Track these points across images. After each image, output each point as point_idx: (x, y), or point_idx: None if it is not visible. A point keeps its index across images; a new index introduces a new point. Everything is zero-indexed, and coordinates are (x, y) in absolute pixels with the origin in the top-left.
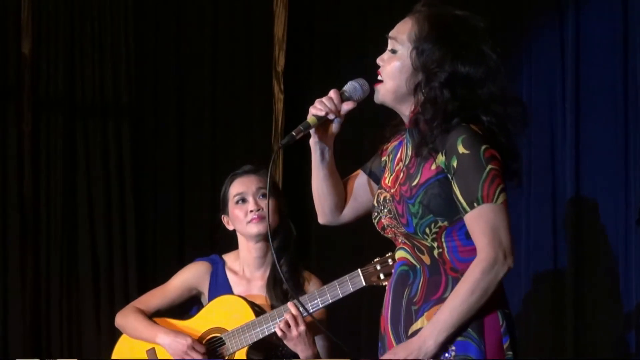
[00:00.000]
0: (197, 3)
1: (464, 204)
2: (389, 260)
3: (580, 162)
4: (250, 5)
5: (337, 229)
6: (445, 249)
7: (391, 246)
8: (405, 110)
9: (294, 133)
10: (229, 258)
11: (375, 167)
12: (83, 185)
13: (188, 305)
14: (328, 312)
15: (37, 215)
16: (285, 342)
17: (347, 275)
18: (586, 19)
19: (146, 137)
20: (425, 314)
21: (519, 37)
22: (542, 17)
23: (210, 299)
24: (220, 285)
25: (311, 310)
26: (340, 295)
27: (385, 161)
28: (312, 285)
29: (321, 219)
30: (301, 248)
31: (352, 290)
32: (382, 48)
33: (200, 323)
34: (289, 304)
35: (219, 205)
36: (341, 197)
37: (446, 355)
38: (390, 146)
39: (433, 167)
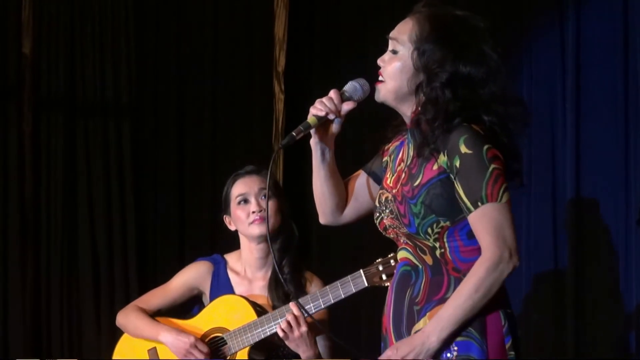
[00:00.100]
0: (197, 3)
1: (468, 203)
2: (391, 260)
3: (581, 161)
4: (251, 5)
5: (338, 229)
6: (448, 249)
7: (392, 246)
8: (407, 111)
9: (294, 133)
10: (230, 258)
11: (377, 168)
12: (83, 185)
13: (189, 305)
14: (330, 313)
15: (38, 215)
16: (286, 342)
17: (349, 276)
18: (586, 19)
19: (146, 137)
20: (427, 314)
21: (519, 37)
22: (543, 17)
23: (212, 298)
24: (221, 285)
25: (313, 311)
26: (343, 296)
27: (387, 161)
28: (313, 286)
29: (322, 219)
30: (302, 248)
31: (354, 290)
32: (382, 48)
33: (201, 323)
34: (291, 304)
35: (221, 205)
36: (342, 198)
37: (448, 355)
38: (392, 146)
39: (435, 167)
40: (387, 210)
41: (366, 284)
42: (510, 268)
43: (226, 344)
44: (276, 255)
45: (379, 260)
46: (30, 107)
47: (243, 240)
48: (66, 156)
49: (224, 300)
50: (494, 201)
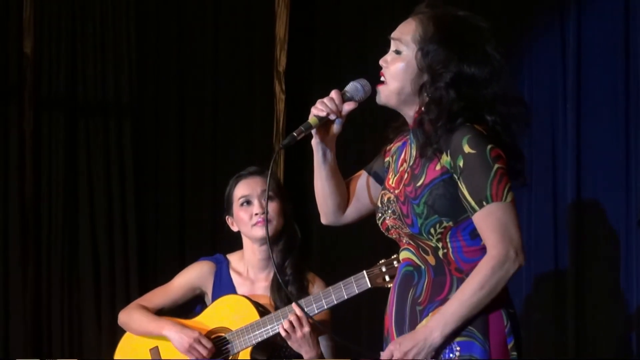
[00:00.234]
0: (198, 3)
1: (472, 203)
2: (395, 262)
3: (581, 162)
4: (252, 5)
5: (339, 230)
6: (450, 250)
7: (393, 247)
8: (409, 111)
9: (295, 134)
10: (233, 258)
11: (378, 168)
12: (84, 185)
13: (192, 305)
14: (332, 313)
15: (38, 214)
16: (289, 342)
17: (352, 277)
18: (587, 19)
19: (147, 137)
20: (430, 314)
21: (519, 37)
22: (543, 17)
23: (214, 299)
24: (224, 286)
25: (316, 312)
26: (345, 297)
27: (389, 162)
28: (316, 287)
29: (324, 220)
30: (304, 249)
31: (357, 291)
32: (383, 48)
33: (204, 322)
34: (294, 305)
35: (222, 205)
36: (344, 198)
37: (450, 355)
38: (394, 147)
39: (438, 167)
40: (390, 211)
41: (369, 285)
42: (516, 267)
43: (229, 343)
44: (278, 256)
45: (382, 261)
46: (31, 106)
47: (246, 241)
48: (67, 156)
49: (226, 300)
50: (499, 200)
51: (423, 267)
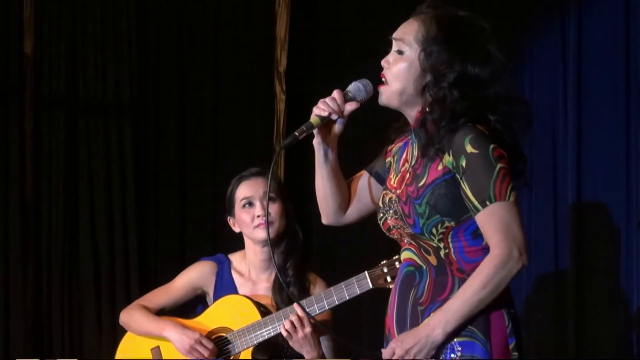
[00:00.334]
0: (199, 3)
1: (475, 202)
2: (396, 262)
3: (582, 162)
4: (252, 5)
5: (340, 230)
6: (452, 250)
7: (394, 247)
8: (411, 112)
9: (296, 133)
10: (235, 258)
11: (380, 168)
12: (85, 184)
13: (193, 304)
14: (333, 313)
15: (39, 214)
16: (290, 343)
17: (353, 278)
18: (588, 19)
19: (148, 137)
20: (431, 314)
21: (520, 38)
22: (544, 17)
23: (215, 299)
24: (225, 286)
25: (317, 312)
26: (347, 297)
27: (390, 162)
28: (317, 288)
29: (325, 220)
30: (306, 250)
31: (358, 292)
32: (383, 48)
33: (205, 322)
34: (295, 305)
35: (223, 205)
36: (345, 198)
37: (452, 355)
38: (395, 147)
39: (440, 167)
40: (391, 211)
41: (371, 286)
42: (519, 266)
43: (230, 343)
44: (280, 257)
45: (384, 262)
46: (31, 106)
47: (248, 242)
48: (67, 156)
49: (227, 300)
50: (502, 200)
51: (424, 267)
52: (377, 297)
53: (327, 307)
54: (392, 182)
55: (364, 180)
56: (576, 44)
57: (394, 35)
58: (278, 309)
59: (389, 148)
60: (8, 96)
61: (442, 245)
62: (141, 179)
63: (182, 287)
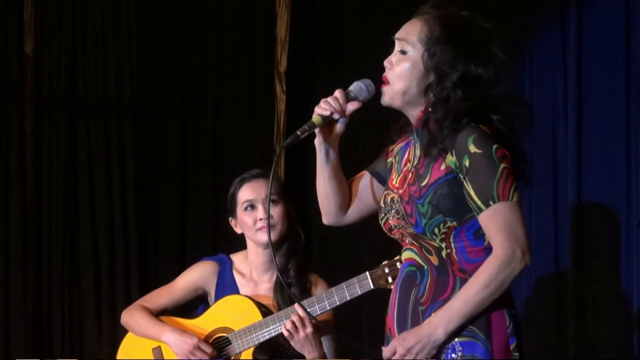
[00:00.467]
0: (199, 3)
1: (479, 202)
2: (397, 263)
3: (582, 162)
4: (253, 5)
5: (340, 230)
6: (454, 250)
7: (394, 247)
8: (413, 112)
9: (298, 132)
10: (236, 258)
11: (381, 168)
12: (85, 184)
13: (194, 304)
14: (335, 313)
15: (39, 214)
16: (292, 343)
17: (355, 278)
18: (588, 19)
19: (148, 137)
20: (432, 314)
21: (520, 38)
22: (544, 17)
23: (217, 299)
24: (227, 286)
25: (318, 312)
26: (348, 298)
27: (392, 162)
28: (319, 288)
29: (325, 220)
30: (307, 251)
31: (359, 293)
32: (384, 49)
33: (206, 322)
34: (296, 305)
35: (225, 206)
36: (346, 198)
37: (453, 355)
38: (396, 147)
39: (442, 167)
40: (393, 211)
41: (372, 286)
42: (521, 266)
43: (231, 344)
44: (281, 259)
45: (385, 262)
46: (32, 106)
47: (250, 243)
48: (68, 155)
49: (229, 300)
50: (506, 200)
51: (426, 267)
52: (377, 298)
53: (328, 308)
54: (394, 182)
55: (365, 181)
56: (576, 44)
57: (397, 35)
58: (279, 309)
59: (390, 148)
60: (8, 96)
61: (444, 245)
62: (141, 179)
63: (184, 288)
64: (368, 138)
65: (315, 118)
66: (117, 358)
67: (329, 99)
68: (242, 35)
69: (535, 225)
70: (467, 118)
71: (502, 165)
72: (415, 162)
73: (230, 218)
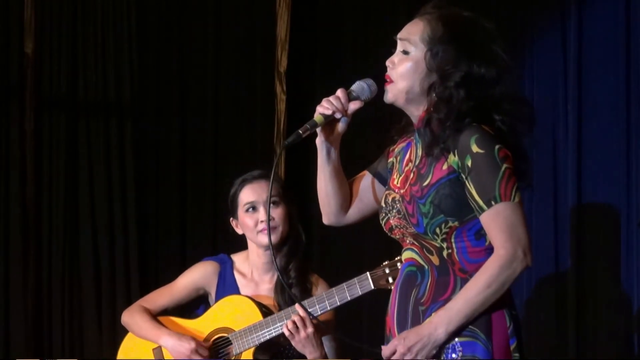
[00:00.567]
0: (199, 3)
1: (480, 202)
2: (398, 263)
3: (582, 162)
4: (253, 5)
5: (340, 231)
6: (455, 250)
7: (394, 247)
8: (415, 111)
9: (300, 131)
10: (237, 258)
11: (382, 169)
12: (85, 185)
13: (195, 304)
14: (336, 313)
15: (39, 214)
16: (293, 343)
17: (355, 278)
18: (588, 19)
19: (148, 137)
20: (433, 314)
21: (520, 38)
22: (544, 17)
23: (218, 299)
24: (227, 286)
25: (319, 312)
26: (349, 298)
27: (393, 162)
28: (319, 289)
29: (326, 220)
30: (308, 252)
31: (360, 293)
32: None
33: (207, 323)
34: (297, 306)
35: (226, 206)
36: (346, 198)
37: (453, 355)
38: (397, 148)
39: (444, 167)
40: (394, 211)
41: (372, 287)
42: (523, 266)
43: (231, 344)
44: (282, 260)
45: (386, 263)
46: (32, 106)
47: (251, 244)
48: (68, 155)
49: (229, 300)
50: (508, 200)
51: (426, 267)
52: (378, 298)
53: (328, 308)
54: (395, 182)
55: (366, 181)
56: (577, 44)
57: (399, 35)
58: (280, 309)
59: (391, 148)
60: (8, 96)
61: (445, 245)
62: (142, 179)
63: (185, 288)
64: (369, 138)
65: (317, 117)
66: (117, 358)
67: (331, 98)
68: (242, 35)
69: (536, 225)
70: (470, 118)
71: (504, 166)
72: (417, 162)
73: (231, 219)
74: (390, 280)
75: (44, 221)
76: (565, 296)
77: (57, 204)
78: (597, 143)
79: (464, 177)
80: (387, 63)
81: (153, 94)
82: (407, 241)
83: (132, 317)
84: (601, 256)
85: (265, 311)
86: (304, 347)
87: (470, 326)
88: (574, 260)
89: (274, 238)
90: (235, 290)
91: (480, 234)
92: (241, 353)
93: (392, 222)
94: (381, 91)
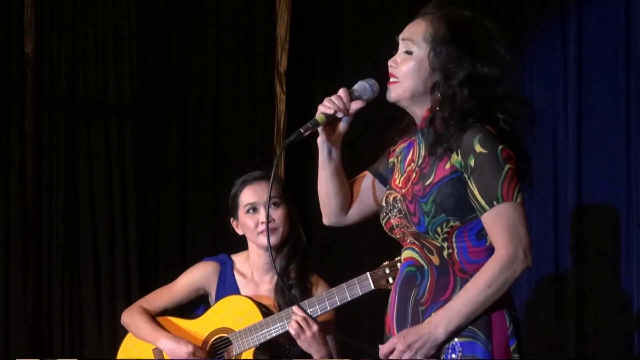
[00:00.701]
0: (199, 3)
1: (483, 202)
2: (398, 264)
3: (582, 162)
4: (253, 5)
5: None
6: (456, 250)
7: (394, 248)
8: (419, 111)
9: (301, 130)
10: (238, 259)
11: (383, 169)
12: (85, 185)
13: (195, 305)
14: (336, 314)
15: (39, 214)
16: (299, 342)
17: (355, 278)
18: (588, 19)
19: (148, 137)
20: (432, 314)
21: (520, 38)
22: (544, 17)
23: (218, 299)
24: (228, 287)
25: (319, 312)
26: (348, 298)
27: (394, 162)
28: (319, 289)
29: (326, 220)
30: (309, 253)
31: (360, 293)
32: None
33: (207, 323)
34: (295, 308)
35: (226, 206)
36: (347, 198)
37: (453, 355)
38: (398, 148)
39: (447, 166)
40: (395, 210)
41: (372, 287)
42: (523, 267)
43: (231, 344)
44: (283, 261)
45: (386, 263)
46: (32, 106)
47: (251, 245)
48: (68, 156)
49: (229, 300)
50: (510, 200)
51: (426, 267)
52: (378, 298)
53: (328, 308)
54: (396, 182)
55: (366, 181)
56: (577, 44)
57: (401, 35)
58: (280, 310)
59: (392, 149)
60: (8, 96)
61: (445, 245)
62: (142, 179)
63: (185, 288)
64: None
65: (318, 116)
66: (117, 358)
67: (333, 98)
68: (242, 35)
69: (536, 225)
70: (473, 117)
71: (507, 166)
72: (420, 162)
73: (231, 219)
74: (390, 280)
75: (44, 221)
76: (565, 296)
77: (57, 204)
78: (597, 143)
79: (466, 176)
80: (390, 63)
81: (153, 94)
82: (408, 240)
83: (132, 318)
84: (601, 256)
85: (265, 311)
86: (310, 346)
87: (470, 326)
88: (574, 260)
89: (275, 239)
90: (236, 291)
91: (481, 234)
92: (241, 353)
93: (393, 221)
94: (382, 92)
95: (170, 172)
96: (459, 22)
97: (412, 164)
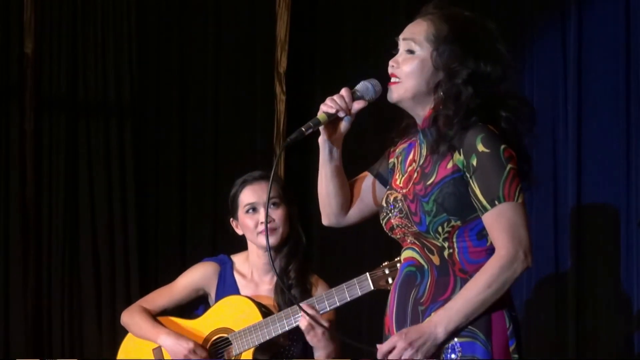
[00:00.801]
0: (199, 4)
1: (484, 202)
2: (398, 264)
3: (582, 162)
4: (253, 6)
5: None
6: (456, 250)
7: (394, 248)
8: (421, 111)
9: (303, 129)
10: (237, 259)
11: (383, 169)
12: (85, 185)
13: (195, 305)
14: (336, 314)
15: (39, 214)
16: (308, 339)
17: (355, 279)
18: (588, 19)
19: (148, 137)
20: (432, 314)
21: (520, 38)
22: (544, 18)
23: (217, 299)
24: (227, 287)
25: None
26: (348, 299)
27: (394, 163)
28: (319, 290)
29: (326, 221)
30: (309, 253)
31: (360, 294)
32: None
33: (206, 323)
34: (304, 305)
35: (227, 206)
36: (347, 198)
37: (452, 355)
38: (398, 148)
39: (449, 165)
40: (396, 210)
41: (372, 287)
42: (523, 267)
43: (231, 344)
44: (282, 261)
45: (385, 263)
46: (32, 106)
47: (251, 245)
48: (68, 156)
49: (229, 300)
50: (511, 200)
51: (426, 266)
52: (377, 298)
53: (328, 308)
54: (397, 182)
55: (367, 182)
56: (576, 44)
57: (403, 35)
58: (280, 310)
59: (392, 149)
60: (8, 96)
61: (446, 244)
62: (141, 179)
63: (184, 288)
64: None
65: (320, 115)
66: (117, 358)
67: (335, 97)
68: (242, 35)
69: (536, 225)
70: (477, 116)
71: (509, 166)
72: (422, 162)
73: (231, 219)
74: (390, 280)
75: (44, 221)
76: (565, 296)
77: (57, 204)
78: (597, 143)
79: (468, 176)
80: (391, 63)
81: (153, 94)
82: (408, 240)
83: (132, 317)
84: (601, 256)
85: (265, 311)
86: (319, 341)
87: (469, 326)
88: (574, 260)
89: (274, 239)
90: (235, 291)
91: (482, 234)
92: (241, 353)
93: (394, 221)
94: (384, 93)
95: (170, 172)
96: (461, 22)
97: (414, 164)
